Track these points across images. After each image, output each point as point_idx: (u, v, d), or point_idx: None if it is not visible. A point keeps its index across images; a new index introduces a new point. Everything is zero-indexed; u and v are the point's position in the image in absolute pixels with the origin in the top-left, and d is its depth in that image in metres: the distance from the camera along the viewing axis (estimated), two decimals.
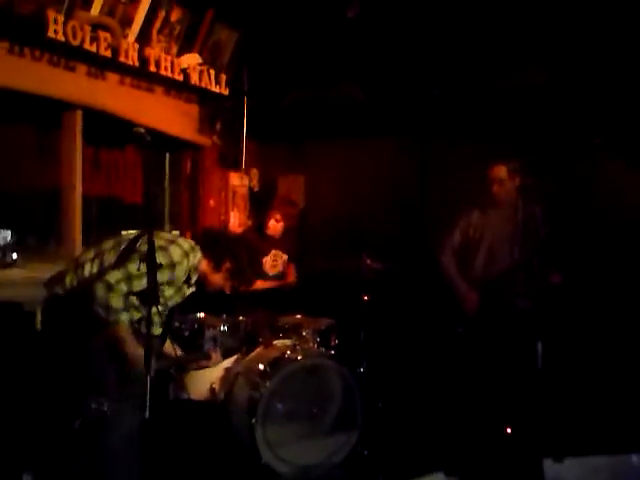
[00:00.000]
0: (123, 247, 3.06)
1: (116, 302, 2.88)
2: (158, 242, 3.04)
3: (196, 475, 3.57)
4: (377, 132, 5.98)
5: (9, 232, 4.56)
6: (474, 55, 5.48)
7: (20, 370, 3.66)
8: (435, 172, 5.79)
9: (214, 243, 3.34)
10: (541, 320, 3.88)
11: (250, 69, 6.01)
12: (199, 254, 3.21)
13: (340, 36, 5.65)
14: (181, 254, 3.08)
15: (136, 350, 2.93)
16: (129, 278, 2.92)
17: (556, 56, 5.19)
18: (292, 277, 5.10)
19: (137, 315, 2.99)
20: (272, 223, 4.92)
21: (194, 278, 3.23)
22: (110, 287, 2.89)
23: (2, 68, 4.20)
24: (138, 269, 2.86)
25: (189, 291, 3.30)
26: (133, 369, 2.93)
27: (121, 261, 2.95)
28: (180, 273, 3.09)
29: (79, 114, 4.80)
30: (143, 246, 2.81)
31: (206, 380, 3.85)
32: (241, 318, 4.09)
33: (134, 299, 2.99)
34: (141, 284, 2.86)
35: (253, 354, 3.93)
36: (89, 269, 3.08)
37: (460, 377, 4.35)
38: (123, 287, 2.90)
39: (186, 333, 3.90)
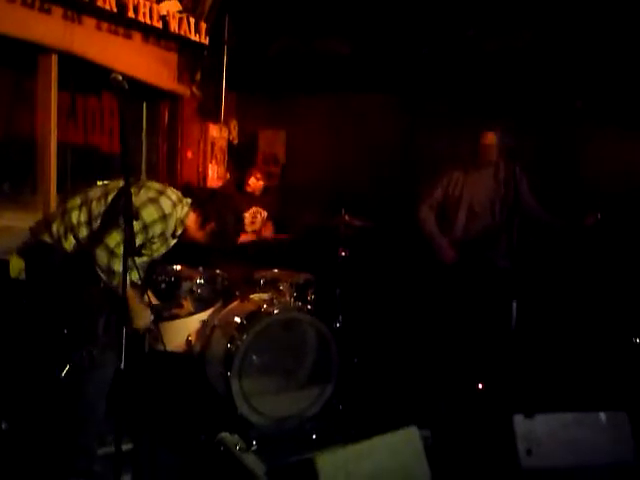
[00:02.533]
0: (111, 201, 2.99)
1: (118, 266, 2.83)
2: (148, 194, 3.01)
3: (172, 426, 3.60)
4: (362, 88, 5.90)
5: None
6: (462, 15, 5.40)
7: None
8: (420, 130, 5.76)
9: (206, 202, 3.29)
10: (518, 279, 3.92)
11: (231, 18, 5.87)
12: (186, 207, 3.17)
13: None
14: (171, 205, 3.04)
15: (140, 306, 2.99)
16: (145, 228, 2.93)
17: (543, 17, 5.13)
18: (268, 232, 5.07)
19: (135, 276, 2.96)
20: (252, 181, 4.88)
21: (179, 230, 3.19)
22: (113, 253, 2.86)
23: None
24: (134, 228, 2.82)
25: (173, 242, 3.27)
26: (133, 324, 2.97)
27: (115, 220, 2.87)
28: (171, 224, 3.07)
29: (54, 58, 4.66)
30: (135, 200, 2.76)
31: (183, 332, 3.86)
32: (218, 271, 4.08)
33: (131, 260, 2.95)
34: (136, 242, 2.82)
35: (230, 307, 3.94)
36: (76, 216, 3.01)
37: (435, 334, 4.40)
38: (119, 249, 2.84)
39: (163, 285, 3.89)
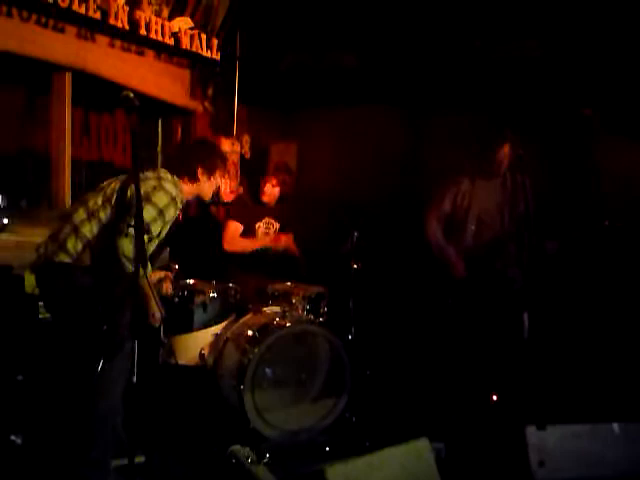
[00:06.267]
0: (115, 201, 3.04)
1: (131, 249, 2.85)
2: (150, 183, 3.07)
3: (185, 439, 3.61)
4: (371, 100, 5.93)
5: (0, 196, 4.54)
6: (469, 26, 5.42)
7: (9, 334, 3.68)
8: (428, 141, 5.77)
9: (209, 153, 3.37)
10: (529, 291, 3.90)
11: (242, 34, 5.93)
12: (179, 185, 3.22)
13: (334, 1, 5.58)
14: (173, 187, 3.13)
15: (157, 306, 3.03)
16: (147, 223, 2.94)
17: (550, 25, 5.14)
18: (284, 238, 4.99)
19: (149, 267, 3.03)
20: (268, 188, 4.79)
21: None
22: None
23: None
24: (150, 214, 2.94)
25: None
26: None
27: (128, 211, 2.92)
28: (179, 204, 3.14)
29: (68, 76, 4.74)
30: (142, 187, 2.83)
31: (196, 345, 3.88)
32: (231, 285, 4.10)
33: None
34: (157, 228, 2.99)
35: (242, 320, 3.96)
36: (89, 229, 3.03)
37: (447, 345, 4.39)
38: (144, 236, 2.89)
39: (176, 299, 3.91)
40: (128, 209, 2.93)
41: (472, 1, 5.28)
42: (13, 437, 3.32)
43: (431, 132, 5.68)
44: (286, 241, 4.89)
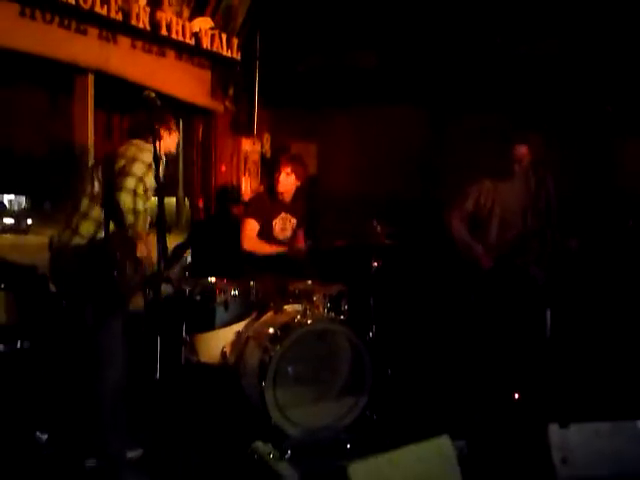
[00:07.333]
0: (102, 176, 3.25)
1: (140, 204, 3.09)
2: (127, 153, 3.21)
3: (207, 436, 3.64)
4: (391, 100, 5.93)
5: (24, 198, 4.60)
6: (489, 24, 5.40)
7: (37, 330, 3.74)
8: (448, 141, 5.76)
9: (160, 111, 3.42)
10: (552, 288, 3.88)
11: (262, 34, 5.96)
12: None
13: (355, 1, 5.58)
14: (150, 155, 3.21)
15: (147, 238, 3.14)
16: (140, 179, 3.11)
17: (572, 26, 5.10)
18: (300, 243, 5.01)
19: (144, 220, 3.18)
20: (283, 177, 4.73)
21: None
22: (135, 192, 3.08)
23: (13, 31, 4.21)
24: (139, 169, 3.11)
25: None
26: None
27: (123, 172, 3.11)
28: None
29: (91, 78, 4.80)
30: (128, 152, 3.16)
31: (218, 343, 3.90)
32: (252, 283, 4.12)
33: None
34: (151, 179, 3.11)
35: (264, 318, 3.97)
36: (97, 212, 3.23)
37: (469, 342, 4.38)
38: (140, 188, 3.10)
39: (198, 297, 3.94)
40: (117, 175, 3.13)
41: (493, 1, 5.26)
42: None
43: (452, 131, 5.67)
44: (301, 249, 4.86)
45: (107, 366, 3.16)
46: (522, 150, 4.30)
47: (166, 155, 3.47)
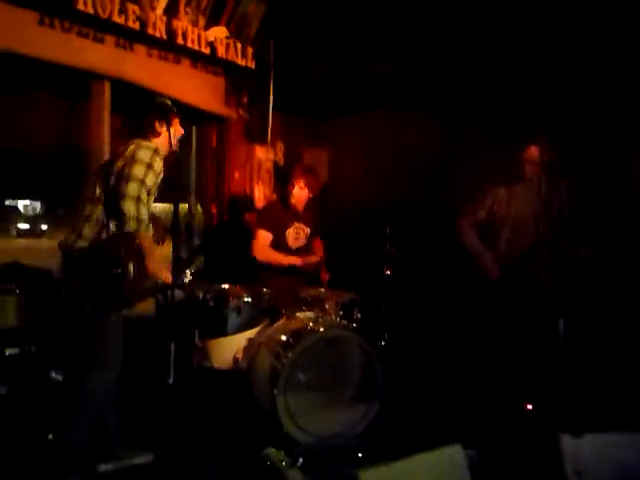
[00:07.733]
0: (104, 182, 3.28)
1: (143, 213, 3.11)
2: (128, 153, 3.24)
3: (219, 442, 3.65)
4: (404, 107, 5.93)
5: (39, 203, 4.64)
6: (505, 34, 5.40)
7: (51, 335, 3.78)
8: (461, 148, 5.75)
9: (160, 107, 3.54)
10: (564, 297, 3.86)
11: (276, 42, 5.99)
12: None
13: (367, 8, 5.60)
14: (150, 156, 3.24)
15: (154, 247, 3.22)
16: (142, 182, 3.12)
17: (585, 36, 5.10)
18: (319, 254, 4.98)
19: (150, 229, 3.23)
20: (296, 190, 4.77)
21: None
22: (139, 199, 3.09)
23: (32, 39, 4.26)
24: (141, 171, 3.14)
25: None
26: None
27: (125, 177, 3.12)
28: (157, 169, 3.26)
29: (107, 85, 4.84)
30: (126, 151, 3.20)
31: (230, 349, 3.92)
32: (264, 289, 4.14)
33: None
34: (152, 180, 3.16)
35: (276, 325, 3.98)
36: (100, 212, 3.26)
37: (481, 351, 4.37)
38: (144, 194, 3.11)
39: (211, 303, 3.97)
40: (119, 180, 3.15)
41: (507, 10, 5.27)
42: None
43: (464, 139, 5.67)
44: (315, 262, 4.85)
45: (99, 363, 3.19)
46: (533, 151, 4.29)
47: (172, 150, 3.49)
